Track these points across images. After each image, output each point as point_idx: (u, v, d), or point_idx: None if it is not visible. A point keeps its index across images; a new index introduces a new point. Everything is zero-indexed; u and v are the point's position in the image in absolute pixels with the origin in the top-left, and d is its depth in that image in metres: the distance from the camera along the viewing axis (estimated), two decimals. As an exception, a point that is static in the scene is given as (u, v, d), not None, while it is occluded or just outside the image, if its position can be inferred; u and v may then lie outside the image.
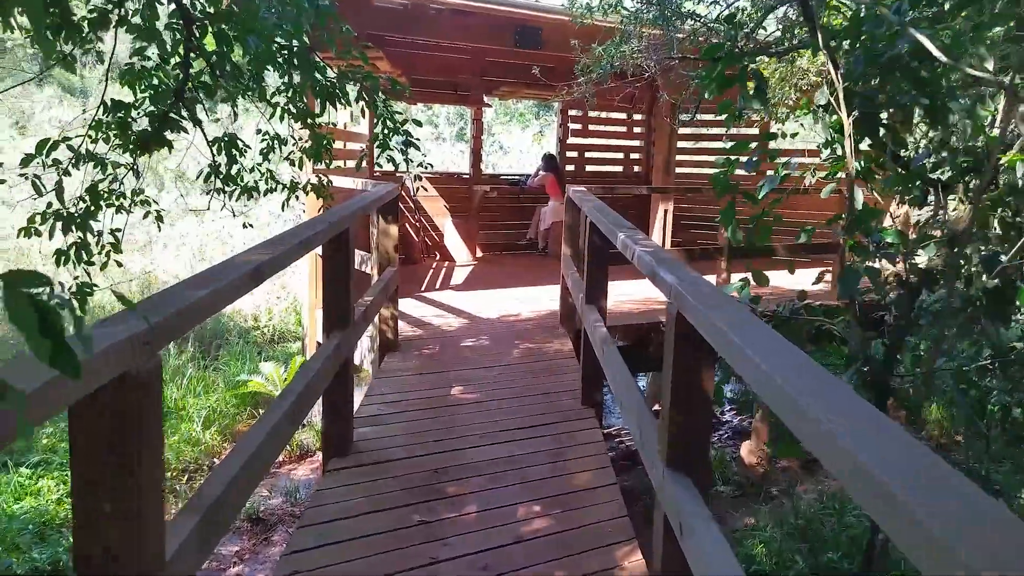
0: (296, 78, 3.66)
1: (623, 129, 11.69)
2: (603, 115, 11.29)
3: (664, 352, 2.23)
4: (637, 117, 11.48)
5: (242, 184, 4.05)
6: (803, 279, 3.68)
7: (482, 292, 7.40)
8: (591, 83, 6.14)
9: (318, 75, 3.55)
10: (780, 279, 3.53)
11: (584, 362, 4.31)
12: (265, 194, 4.29)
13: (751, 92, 2.89)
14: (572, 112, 10.90)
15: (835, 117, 2.93)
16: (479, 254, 10.10)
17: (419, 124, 4.24)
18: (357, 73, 3.94)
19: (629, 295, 6.83)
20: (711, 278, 6.86)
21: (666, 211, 8.18)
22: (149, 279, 11.06)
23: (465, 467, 3.48)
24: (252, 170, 4.17)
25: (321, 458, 3.91)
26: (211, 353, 9.49)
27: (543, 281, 8.00)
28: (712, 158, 11.45)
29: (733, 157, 3.12)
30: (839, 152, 3.06)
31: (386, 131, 3.90)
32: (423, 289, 7.54)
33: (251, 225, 5.31)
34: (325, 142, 4.18)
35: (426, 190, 9.87)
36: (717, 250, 6.57)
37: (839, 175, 3.14)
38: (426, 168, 4.63)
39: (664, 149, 8.01)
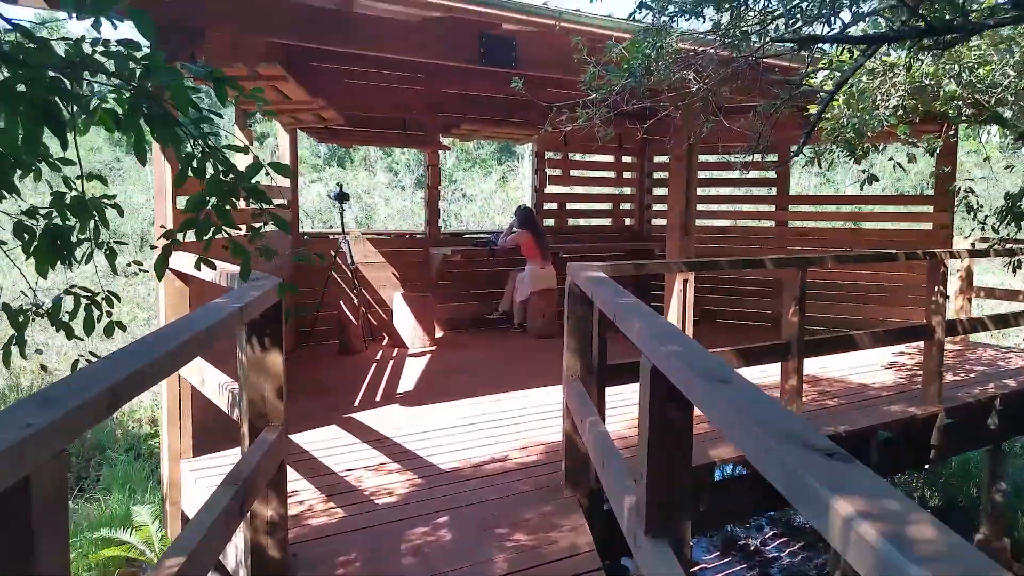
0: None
1: (611, 174, 9.72)
2: (587, 158, 9.32)
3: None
4: (627, 159, 9.53)
5: None
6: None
7: (440, 408, 5.23)
8: (600, 105, 4.09)
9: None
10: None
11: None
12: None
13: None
14: (549, 155, 8.89)
15: None
16: (439, 334, 7.93)
17: (284, 171, 2.13)
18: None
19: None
20: (774, 391, 4.79)
21: (686, 282, 6.14)
22: None
23: None
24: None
25: None
26: (90, 473, 7.17)
27: (526, 378, 5.86)
28: (729, 208, 9.56)
29: None
30: None
31: (202, 157, 1.79)
32: (357, 403, 5.33)
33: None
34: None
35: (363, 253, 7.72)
36: (781, 347, 4.51)
37: None
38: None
39: (680, 201, 6.03)
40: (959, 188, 4.67)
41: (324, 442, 4.41)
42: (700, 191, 11.25)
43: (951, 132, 6.59)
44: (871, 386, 5.92)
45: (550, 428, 4.69)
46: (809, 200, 10.45)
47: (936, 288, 5.22)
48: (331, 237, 7.69)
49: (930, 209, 8.33)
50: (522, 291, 8.00)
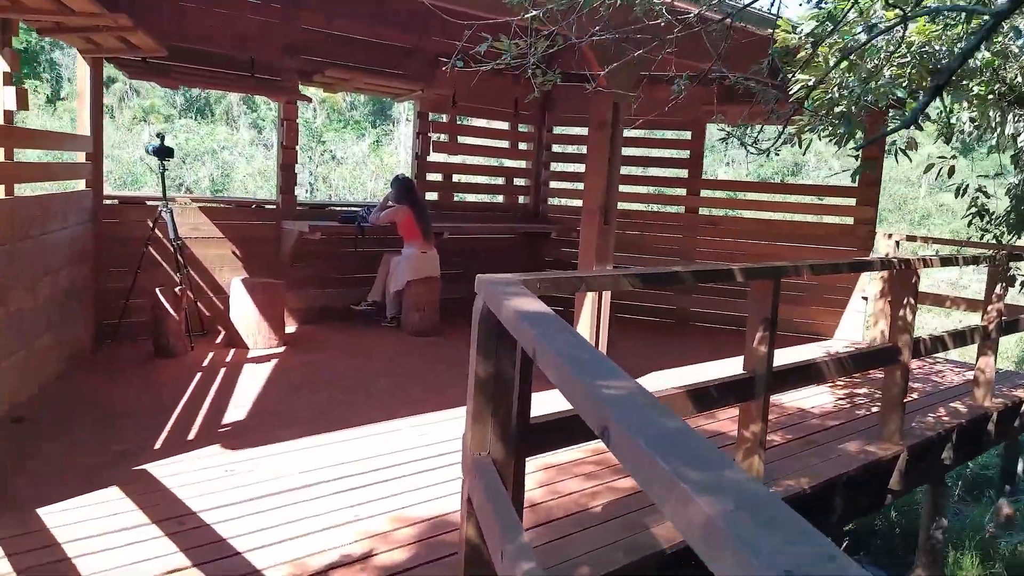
0: None
1: (505, 144, 8.41)
2: (479, 124, 7.98)
3: None
4: (523, 128, 8.25)
5: None
6: None
7: (279, 452, 3.80)
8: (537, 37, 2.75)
9: None
10: None
11: None
12: None
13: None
14: (434, 117, 7.48)
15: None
16: (291, 329, 6.40)
17: None
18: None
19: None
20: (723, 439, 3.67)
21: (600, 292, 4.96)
22: None
23: None
24: None
25: None
26: None
27: (401, 396, 4.50)
28: (648, 189, 8.46)
29: None
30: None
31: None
32: (159, 444, 3.79)
33: None
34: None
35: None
36: (743, 383, 3.39)
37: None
38: None
39: (600, 181, 4.82)
40: (965, 186, 3.69)
41: (87, 524, 2.89)
42: (576, 167, 10.26)
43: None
44: (811, 412, 4.99)
45: (437, 490, 3.38)
46: (723, 186, 9.57)
47: (905, 301, 4.29)
48: (149, 204, 5.97)
49: (852, 202, 7.58)
50: (398, 278, 6.59)
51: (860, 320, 7.54)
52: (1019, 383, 6.13)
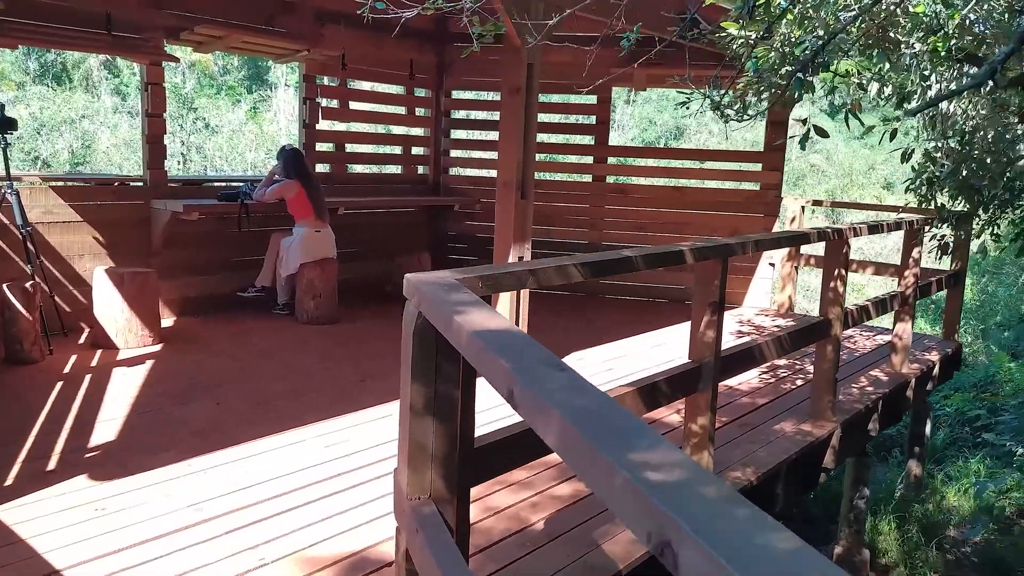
0: None
1: (401, 110, 7.82)
2: (371, 88, 7.36)
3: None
4: (420, 93, 7.69)
5: None
6: None
7: (158, 482, 3.23)
8: None
9: None
10: None
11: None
12: None
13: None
14: (325, 81, 6.81)
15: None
16: (168, 323, 5.69)
17: None
18: None
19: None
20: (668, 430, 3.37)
21: (520, 258, 4.58)
22: None
23: None
24: None
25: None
26: None
27: (299, 399, 3.98)
28: (546, 157, 8.02)
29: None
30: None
31: None
32: (11, 478, 3.13)
33: None
34: None
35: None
36: (689, 374, 3.08)
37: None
38: None
39: (514, 151, 4.39)
40: (910, 151, 3.49)
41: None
42: (478, 134, 9.87)
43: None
44: (739, 390, 4.81)
45: (355, 516, 2.91)
46: (630, 152, 9.32)
47: (836, 272, 4.12)
48: (-13, 183, 5.09)
49: (759, 167, 7.48)
50: (289, 261, 5.96)
51: (768, 286, 7.50)
52: (929, 346, 6.22)
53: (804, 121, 2.97)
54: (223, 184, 6.37)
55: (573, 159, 8.42)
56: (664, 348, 5.59)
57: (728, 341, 5.66)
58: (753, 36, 3.13)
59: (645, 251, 2.70)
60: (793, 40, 2.95)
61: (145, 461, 3.30)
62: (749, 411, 4.41)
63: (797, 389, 4.86)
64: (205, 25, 5.61)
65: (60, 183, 5.51)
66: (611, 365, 5.21)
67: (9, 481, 3.12)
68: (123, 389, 4.26)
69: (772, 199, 7.31)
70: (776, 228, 7.38)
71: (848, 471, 5.35)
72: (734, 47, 3.31)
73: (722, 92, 3.19)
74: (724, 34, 3.30)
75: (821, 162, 24.28)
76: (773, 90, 3.20)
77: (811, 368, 4.64)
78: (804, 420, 4.25)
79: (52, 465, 3.26)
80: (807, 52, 2.90)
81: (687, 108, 2.93)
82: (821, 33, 2.79)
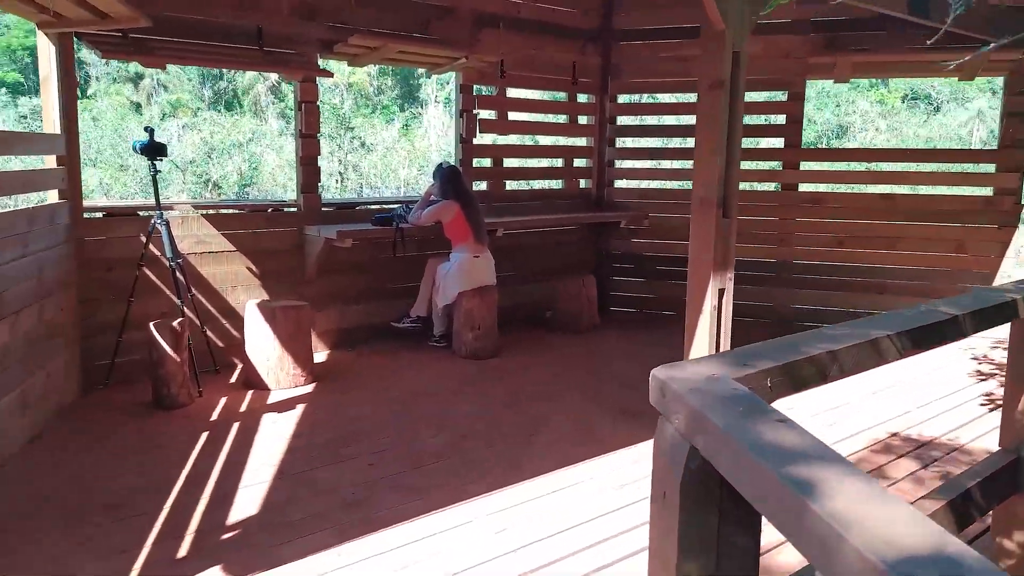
0: None
1: (563, 119, 7.15)
2: (530, 96, 6.75)
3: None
4: (583, 99, 7.00)
5: None
6: None
7: (304, 572, 2.67)
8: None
9: None
10: None
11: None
12: None
13: None
14: (483, 91, 6.25)
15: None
16: (321, 357, 5.30)
17: None
18: None
19: None
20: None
21: (722, 291, 3.75)
22: None
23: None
24: None
25: None
26: None
27: (470, 457, 3.35)
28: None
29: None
30: None
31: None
32: (143, 557, 2.69)
33: None
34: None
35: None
36: (1007, 470, 2.16)
37: None
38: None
39: (713, 160, 3.56)
40: None
41: None
42: (646, 141, 8.97)
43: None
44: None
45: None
46: (831, 156, 8.19)
47: None
48: (141, 215, 4.87)
49: (992, 169, 6.20)
50: (446, 290, 5.42)
51: None
52: None
53: None
54: (377, 207, 5.94)
55: (764, 166, 7.43)
56: (882, 396, 4.57)
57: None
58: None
59: (967, 307, 1.83)
60: None
61: (283, 552, 2.75)
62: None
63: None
64: (359, 36, 5.17)
65: (212, 211, 5.25)
66: (831, 418, 4.25)
67: (142, 558, 2.67)
68: (271, 443, 3.80)
69: (1011, 206, 6.02)
70: (1017, 243, 6.09)
71: None
72: None
73: None
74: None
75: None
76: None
77: None
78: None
79: (184, 551, 2.78)
80: None
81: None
82: None
